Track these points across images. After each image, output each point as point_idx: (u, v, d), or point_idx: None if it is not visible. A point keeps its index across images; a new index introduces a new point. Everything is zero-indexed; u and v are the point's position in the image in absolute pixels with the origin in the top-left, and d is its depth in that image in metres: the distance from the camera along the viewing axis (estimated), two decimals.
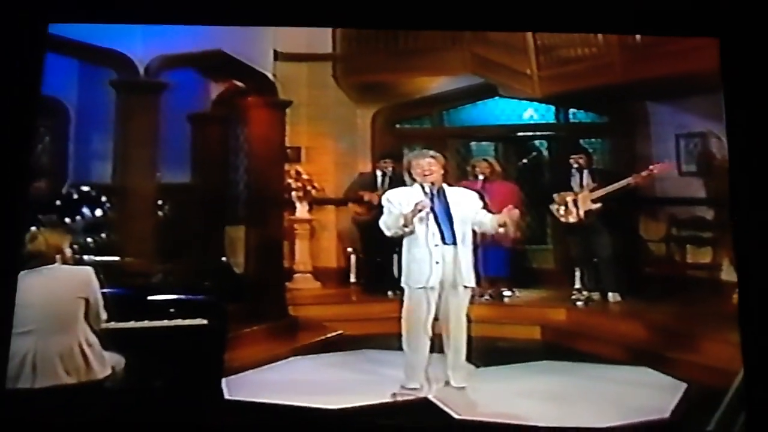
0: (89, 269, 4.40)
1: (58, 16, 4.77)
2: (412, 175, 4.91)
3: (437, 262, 4.71)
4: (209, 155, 6.61)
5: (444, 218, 4.79)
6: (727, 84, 4.55)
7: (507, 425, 4.40)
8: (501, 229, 4.85)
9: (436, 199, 4.78)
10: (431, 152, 4.97)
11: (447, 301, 4.78)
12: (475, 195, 4.97)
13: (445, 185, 4.90)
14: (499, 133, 7.23)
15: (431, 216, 4.75)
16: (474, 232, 4.91)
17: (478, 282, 4.94)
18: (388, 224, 4.84)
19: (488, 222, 4.85)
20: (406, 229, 4.75)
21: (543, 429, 4.35)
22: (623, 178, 6.01)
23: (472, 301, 4.88)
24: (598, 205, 6.08)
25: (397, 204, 4.83)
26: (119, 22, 5.11)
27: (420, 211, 4.69)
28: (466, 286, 4.80)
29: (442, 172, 4.89)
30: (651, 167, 5.95)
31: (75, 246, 4.90)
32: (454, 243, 4.76)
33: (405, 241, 4.83)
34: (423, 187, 4.82)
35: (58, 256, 4.42)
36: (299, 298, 6.30)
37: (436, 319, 4.79)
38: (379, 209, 5.16)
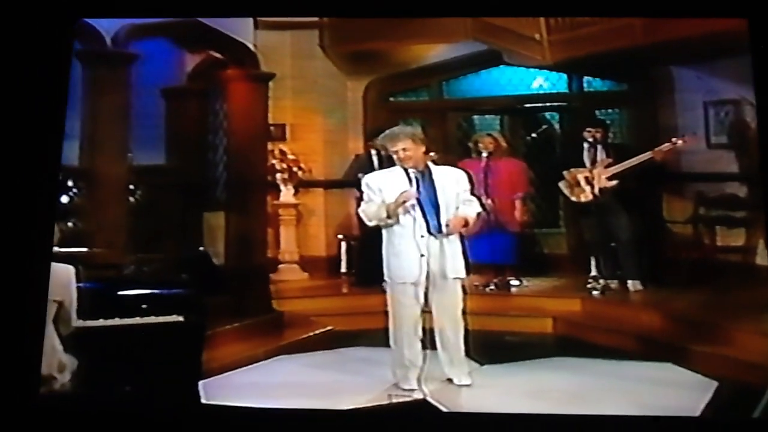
0: (70, 268, 4.34)
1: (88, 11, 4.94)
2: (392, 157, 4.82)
3: (422, 255, 4.63)
4: (185, 134, 6.60)
5: (429, 206, 4.71)
6: (756, 60, 4.55)
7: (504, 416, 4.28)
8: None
9: (420, 184, 4.69)
10: (402, 133, 4.83)
11: (436, 294, 4.73)
12: (463, 175, 4.87)
13: (431, 164, 4.80)
14: (505, 104, 7.20)
15: (416, 205, 4.68)
16: None
17: (467, 271, 4.85)
18: (368, 214, 4.77)
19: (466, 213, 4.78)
20: (390, 221, 4.68)
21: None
22: (642, 153, 5.95)
23: (465, 292, 4.83)
24: (614, 182, 6.02)
25: (377, 190, 4.75)
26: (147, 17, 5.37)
27: (404, 202, 4.63)
28: (456, 278, 4.74)
29: (422, 149, 4.75)
30: (673, 139, 5.89)
31: None
32: (440, 232, 4.70)
33: (384, 232, 4.76)
34: (406, 171, 4.72)
35: None
36: (285, 290, 6.26)
37: (429, 312, 4.76)
38: None
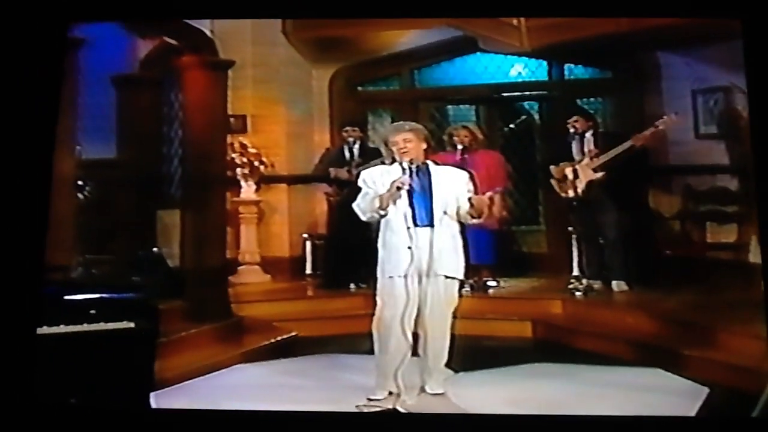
0: None
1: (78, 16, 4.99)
2: (393, 152, 4.79)
3: (409, 247, 4.58)
4: (138, 125, 6.57)
5: (420, 197, 4.67)
6: (749, 67, 4.63)
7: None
8: (473, 220, 4.70)
9: (415, 177, 4.65)
10: (408, 125, 4.84)
11: (425, 293, 4.64)
12: (464, 176, 4.80)
13: (430, 163, 4.78)
14: (481, 94, 7.21)
15: (405, 195, 4.64)
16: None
17: (466, 272, 4.82)
18: (362, 207, 4.73)
19: (463, 213, 4.73)
20: (382, 212, 4.64)
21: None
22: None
23: (461, 295, 4.78)
24: (600, 174, 6.01)
25: (372, 184, 4.73)
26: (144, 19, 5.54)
27: (398, 189, 4.59)
28: (447, 276, 4.67)
29: (423, 146, 4.76)
30: (656, 123, 5.88)
31: None
32: (431, 225, 4.63)
33: (381, 225, 4.72)
34: (402, 165, 4.68)
35: None
36: (245, 294, 6.23)
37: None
38: (352, 186, 5.14)
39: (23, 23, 4.70)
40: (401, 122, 4.98)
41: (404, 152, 4.68)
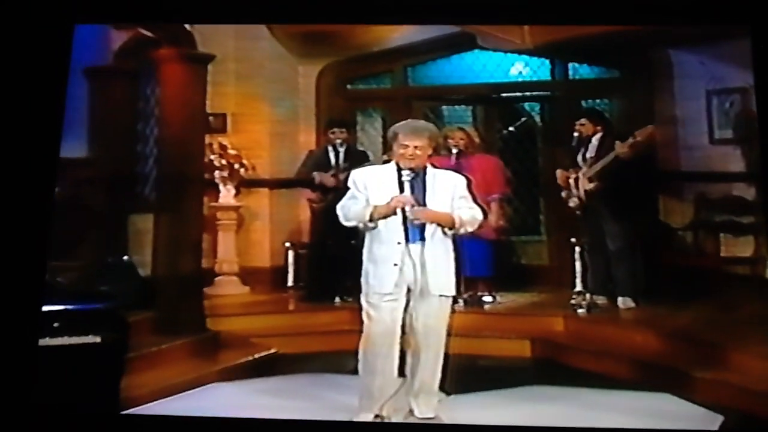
0: None
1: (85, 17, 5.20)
2: (393, 149, 4.77)
3: (395, 264, 4.57)
4: (111, 121, 6.50)
5: None
6: (758, 71, 4.83)
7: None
8: (463, 229, 4.69)
9: (412, 185, 4.67)
10: (428, 131, 4.78)
11: (415, 312, 4.64)
12: (462, 181, 4.79)
13: (428, 167, 4.76)
14: (479, 93, 7.17)
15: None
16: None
17: (459, 285, 4.84)
18: (347, 212, 4.69)
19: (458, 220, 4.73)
20: (370, 225, 4.62)
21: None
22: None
23: (454, 311, 4.75)
24: (593, 184, 6.05)
25: (363, 188, 4.70)
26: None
27: (395, 209, 4.59)
28: (441, 295, 4.66)
29: (429, 152, 4.74)
30: (635, 133, 5.92)
31: None
32: (422, 240, 4.61)
33: (367, 235, 4.70)
34: (400, 171, 4.67)
35: None
36: (222, 306, 6.23)
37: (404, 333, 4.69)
38: (337, 192, 5.22)
39: (28, 22, 4.92)
40: (419, 124, 4.92)
41: (411, 159, 4.64)
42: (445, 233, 4.65)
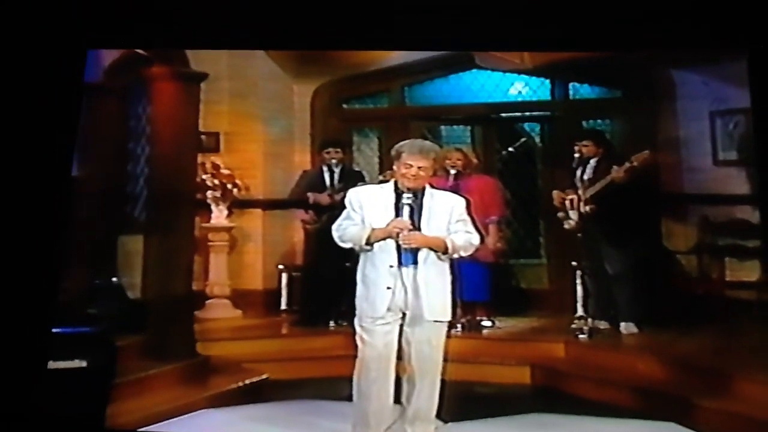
0: None
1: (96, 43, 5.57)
2: (394, 167, 4.81)
3: (388, 288, 4.61)
4: (100, 140, 6.45)
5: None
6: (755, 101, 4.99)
7: None
8: (456, 255, 4.75)
9: (411, 208, 4.72)
10: (433, 152, 4.82)
11: (410, 337, 4.68)
12: (460, 202, 4.84)
13: (427, 188, 4.80)
14: (477, 114, 7.15)
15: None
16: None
17: (455, 314, 4.94)
18: (343, 234, 4.75)
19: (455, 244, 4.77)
20: (367, 248, 4.67)
21: None
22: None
23: (449, 336, 4.80)
24: (588, 207, 6.07)
25: (359, 207, 4.74)
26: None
27: (394, 234, 4.63)
28: (436, 321, 4.70)
29: (431, 174, 4.80)
30: (632, 158, 5.95)
31: None
32: (414, 263, 4.65)
33: (362, 256, 4.76)
34: (398, 191, 4.73)
35: None
36: (213, 330, 6.22)
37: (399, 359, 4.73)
38: (332, 213, 5.27)
39: (38, 50, 5.19)
40: (425, 144, 4.91)
41: (414, 179, 4.66)
42: (439, 257, 4.66)
